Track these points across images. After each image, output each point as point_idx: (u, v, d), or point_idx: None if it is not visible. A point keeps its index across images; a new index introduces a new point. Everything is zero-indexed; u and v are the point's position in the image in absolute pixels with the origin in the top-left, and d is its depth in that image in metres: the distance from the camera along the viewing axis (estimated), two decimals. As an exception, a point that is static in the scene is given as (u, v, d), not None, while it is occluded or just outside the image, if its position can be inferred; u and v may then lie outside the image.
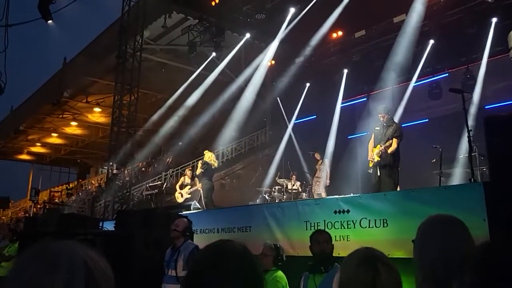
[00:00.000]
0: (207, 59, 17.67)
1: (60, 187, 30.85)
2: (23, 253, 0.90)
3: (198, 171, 12.36)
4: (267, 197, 13.70)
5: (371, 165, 7.99)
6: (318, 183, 12.66)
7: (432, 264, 1.65)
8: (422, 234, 1.79)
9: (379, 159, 7.74)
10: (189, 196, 12.77)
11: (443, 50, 13.93)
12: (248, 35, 17.13)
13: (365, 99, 16.17)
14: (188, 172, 13.93)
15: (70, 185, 29.14)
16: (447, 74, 14.26)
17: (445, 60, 14.19)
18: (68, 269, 0.85)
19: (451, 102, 12.58)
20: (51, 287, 0.81)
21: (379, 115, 8.00)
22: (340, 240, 5.57)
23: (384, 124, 7.92)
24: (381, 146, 7.72)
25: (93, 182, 27.98)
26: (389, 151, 7.61)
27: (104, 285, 0.88)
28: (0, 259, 9.32)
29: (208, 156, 12.22)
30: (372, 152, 7.95)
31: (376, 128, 8.14)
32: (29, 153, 33.30)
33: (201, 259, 1.33)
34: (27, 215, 22.43)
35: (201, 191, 12.16)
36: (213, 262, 1.27)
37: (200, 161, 12.75)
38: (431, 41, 14.05)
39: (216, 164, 12.20)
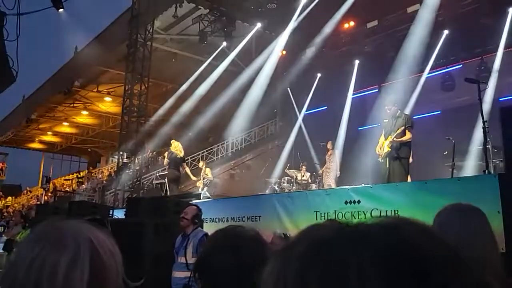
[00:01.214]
0: (217, 49, 17.61)
1: (71, 175, 31.13)
2: (28, 234, 0.89)
3: (165, 161, 12.51)
4: (276, 188, 13.69)
5: (381, 157, 7.90)
6: (328, 174, 12.60)
7: None
8: (440, 222, 1.74)
9: (389, 149, 7.64)
10: (202, 186, 13.06)
11: (458, 41, 13.70)
12: (259, 25, 17.01)
13: (377, 90, 16.02)
14: (200, 163, 14.17)
15: (81, 174, 29.38)
16: (461, 66, 14.05)
17: (459, 51, 13.97)
18: (73, 249, 0.83)
19: (464, 94, 12.43)
20: (54, 268, 0.80)
21: (386, 107, 7.88)
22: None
23: (392, 116, 7.79)
24: (392, 137, 7.60)
25: (103, 171, 28.17)
26: (404, 139, 7.47)
27: (111, 266, 0.86)
28: (13, 245, 9.46)
29: (175, 146, 12.30)
30: (382, 144, 7.84)
31: (384, 120, 8.02)
32: (41, 141, 33.65)
33: (213, 241, 1.31)
34: (38, 202, 22.67)
35: (166, 180, 12.32)
36: (225, 244, 1.25)
37: (167, 151, 12.86)
38: (445, 32, 13.83)
39: (182, 154, 12.25)
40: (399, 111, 7.79)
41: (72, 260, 0.82)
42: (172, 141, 12.72)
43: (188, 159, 18.43)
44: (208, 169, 13.73)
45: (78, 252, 0.83)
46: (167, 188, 12.20)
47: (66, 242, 0.84)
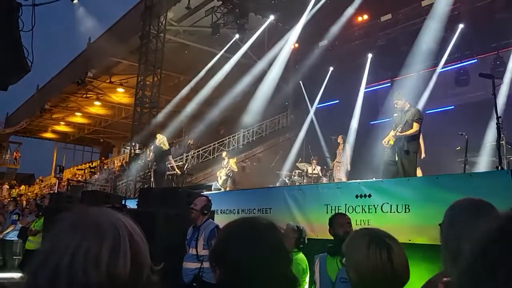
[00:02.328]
0: (230, 41, 17.60)
1: (84, 165, 31.46)
2: (61, 221, 0.87)
3: (150, 155, 12.59)
4: (287, 181, 13.70)
5: (386, 148, 7.82)
6: (339, 168, 12.55)
7: (459, 244, 1.59)
8: (451, 215, 1.73)
9: (392, 143, 7.56)
10: (225, 177, 13.32)
11: (473, 35, 13.52)
12: (272, 18, 16.96)
13: (389, 84, 15.90)
14: (223, 153, 14.43)
15: (93, 164, 29.66)
16: (475, 60, 13.88)
17: (474, 45, 13.79)
18: (113, 235, 0.84)
19: (478, 89, 12.30)
20: (99, 255, 0.80)
21: (394, 102, 7.79)
22: (360, 224, 5.53)
23: (401, 110, 7.70)
24: (396, 131, 7.51)
25: (115, 161, 28.41)
26: (409, 132, 7.39)
27: (145, 251, 0.88)
28: (27, 233, 9.63)
29: (159, 139, 12.36)
30: (391, 136, 7.77)
31: (394, 114, 7.95)
32: (54, 131, 33.99)
33: (229, 230, 1.33)
34: (51, 191, 22.95)
35: (152, 174, 12.39)
36: (242, 232, 1.27)
37: (152, 145, 12.96)
38: (461, 26, 13.65)
39: (166, 147, 12.29)
40: (408, 105, 7.71)
41: (114, 246, 0.82)
42: (157, 135, 12.86)
43: (199, 151, 18.55)
44: (232, 160, 13.81)
45: (118, 238, 0.83)
46: (152, 182, 12.33)
47: (106, 228, 0.84)
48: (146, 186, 14.23)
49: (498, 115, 6.06)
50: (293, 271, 1.36)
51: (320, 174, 13.48)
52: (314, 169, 13.37)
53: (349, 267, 1.63)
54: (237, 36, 17.17)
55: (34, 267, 0.82)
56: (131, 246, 0.84)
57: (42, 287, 0.78)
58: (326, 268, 3.75)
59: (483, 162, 9.76)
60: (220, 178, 13.44)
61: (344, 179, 12.02)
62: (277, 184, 13.68)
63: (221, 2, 16.12)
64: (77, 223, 0.85)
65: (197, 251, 4.90)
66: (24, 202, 20.89)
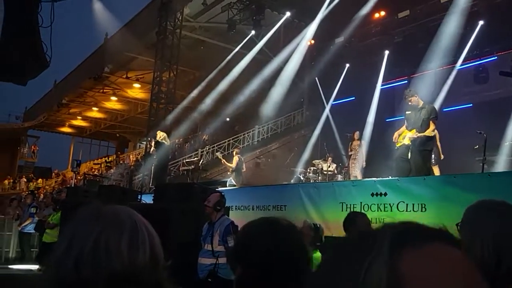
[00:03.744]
0: (246, 38, 17.58)
1: (100, 160, 31.82)
2: (81, 213, 0.92)
3: (152, 150, 12.76)
4: (301, 178, 13.66)
5: (397, 145, 7.66)
6: (354, 165, 12.48)
7: (482, 247, 1.53)
8: (470, 220, 1.67)
9: (409, 142, 7.41)
10: (231, 173, 13.41)
11: (492, 32, 13.25)
12: (288, 14, 16.90)
13: (406, 81, 15.71)
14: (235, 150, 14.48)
15: (109, 159, 29.97)
16: (495, 58, 13.62)
17: (494, 42, 13.52)
18: (131, 224, 0.88)
19: (498, 87, 12.11)
20: (119, 241, 0.85)
21: (406, 99, 7.56)
22: (376, 223, 5.50)
23: (415, 107, 7.51)
24: (415, 132, 7.33)
25: (131, 156, 28.66)
26: (427, 132, 7.24)
27: (158, 242, 0.92)
28: (45, 226, 9.79)
29: (159, 136, 12.46)
30: (403, 133, 7.62)
31: (407, 112, 7.72)
32: (71, 126, 34.46)
33: (250, 229, 1.34)
34: (67, 185, 23.24)
35: (152, 169, 12.72)
36: (263, 231, 1.28)
37: (153, 141, 13.13)
38: (480, 22, 13.39)
39: (168, 143, 12.49)
40: (422, 102, 7.50)
41: (133, 236, 0.87)
42: (158, 132, 13.02)
43: (214, 147, 18.61)
44: (235, 157, 13.83)
45: (137, 229, 0.88)
46: (152, 176, 12.50)
47: (124, 220, 0.89)
48: (151, 181, 14.40)
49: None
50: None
51: (335, 172, 13.40)
52: (329, 167, 13.30)
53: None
54: (253, 32, 17.15)
55: (57, 255, 0.86)
56: (148, 237, 0.89)
57: (67, 273, 0.82)
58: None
59: (502, 161, 9.60)
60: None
61: (359, 176, 11.93)
62: (292, 181, 13.65)
63: (237, -2, 16.14)
64: (97, 214, 0.90)
65: (212, 247, 4.91)
66: (42, 196, 21.23)
